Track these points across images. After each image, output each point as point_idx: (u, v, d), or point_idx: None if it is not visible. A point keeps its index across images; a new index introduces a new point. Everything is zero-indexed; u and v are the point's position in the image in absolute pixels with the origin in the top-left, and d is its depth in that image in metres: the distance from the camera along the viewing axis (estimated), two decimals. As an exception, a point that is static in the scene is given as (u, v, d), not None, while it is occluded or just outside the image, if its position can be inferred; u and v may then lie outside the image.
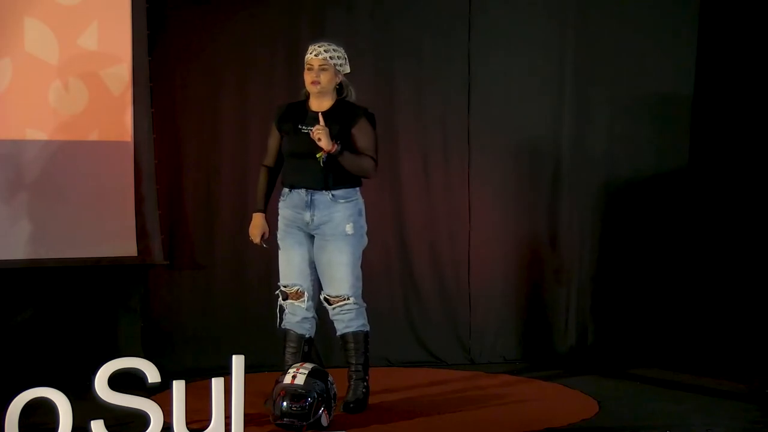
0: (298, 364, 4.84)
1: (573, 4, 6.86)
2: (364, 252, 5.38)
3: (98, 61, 6.10)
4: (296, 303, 5.22)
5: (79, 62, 6.06)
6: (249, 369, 4.39)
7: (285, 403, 4.61)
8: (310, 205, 5.12)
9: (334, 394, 4.81)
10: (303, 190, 5.13)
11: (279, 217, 5.29)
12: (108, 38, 6.11)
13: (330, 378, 4.81)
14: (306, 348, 5.27)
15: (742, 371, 6.27)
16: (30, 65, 5.97)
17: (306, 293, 5.21)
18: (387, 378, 5.84)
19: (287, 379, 4.69)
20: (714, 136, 6.96)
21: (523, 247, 6.86)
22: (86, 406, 4.30)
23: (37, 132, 6.01)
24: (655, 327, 6.93)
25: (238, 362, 4.24)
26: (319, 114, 5.06)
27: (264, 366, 5.92)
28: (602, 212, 6.95)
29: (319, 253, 5.17)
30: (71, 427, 4.10)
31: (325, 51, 5.10)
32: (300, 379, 4.67)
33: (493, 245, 6.81)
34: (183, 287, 6.40)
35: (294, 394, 4.62)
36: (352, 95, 5.25)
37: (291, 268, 5.22)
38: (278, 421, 4.64)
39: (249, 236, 5.36)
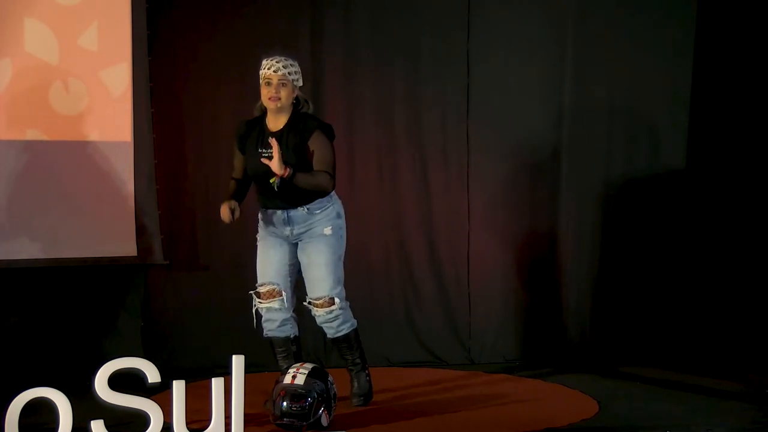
0: (298, 364, 4.84)
1: (571, 5, 6.86)
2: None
3: (98, 61, 6.11)
4: (271, 304, 5.20)
5: (79, 62, 6.06)
6: (249, 369, 4.39)
7: (285, 403, 4.61)
8: (288, 221, 5.13)
9: (334, 394, 4.81)
10: (279, 210, 5.12)
11: (259, 227, 5.30)
12: (108, 38, 6.12)
13: (330, 378, 4.81)
14: (294, 348, 5.30)
15: (742, 371, 6.27)
16: (30, 65, 5.97)
17: (283, 293, 5.20)
18: (387, 378, 5.83)
19: (287, 379, 4.69)
20: (712, 136, 6.96)
21: (522, 247, 6.86)
22: (86, 406, 4.30)
23: (37, 132, 6.02)
24: (655, 327, 6.93)
25: (238, 362, 4.24)
26: (271, 139, 4.96)
27: (264, 366, 5.92)
28: (601, 213, 6.95)
29: (301, 255, 5.19)
30: (71, 427, 4.10)
31: (283, 66, 5.01)
32: (300, 379, 4.67)
33: (493, 245, 6.81)
34: (183, 287, 6.41)
35: (294, 394, 4.62)
36: (310, 108, 5.17)
37: (269, 267, 5.22)
38: (278, 421, 4.64)
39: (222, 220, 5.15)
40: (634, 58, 6.91)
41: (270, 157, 4.92)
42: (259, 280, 5.26)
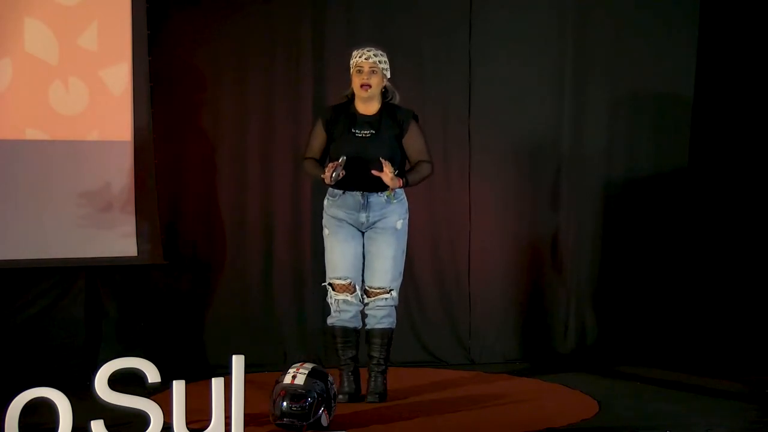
0: (298, 364, 4.84)
1: (573, 4, 6.86)
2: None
3: (98, 61, 6.11)
4: (348, 297, 5.31)
5: (79, 62, 6.06)
6: (249, 369, 4.39)
7: (285, 403, 4.60)
8: (365, 206, 5.28)
9: (334, 394, 4.81)
10: (359, 193, 5.26)
11: (325, 216, 5.38)
12: (108, 38, 6.12)
13: (330, 378, 4.81)
14: (355, 338, 5.42)
15: (742, 371, 6.27)
16: (30, 65, 5.97)
17: (357, 286, 5.33)
18: (388, 378, 5.83)
19: (287, 379, 4.69)
20: (714, 136, 6.96)
21: (523, 247, 6.86)
22: (86, 406, 4.30)
23: (37, 132, 6.02)
24: (656, 327, 6.93)
25: (238, 362, 4.24)
26: (385, 162, 5.15)
27: (264, 366, 5.93)
28: (602, 212, 6.95)
29: (369, 244, 5.34)
30: (71, 427, 4.09)
31: (374, 55, 5.27)
32: (300, 379, 4.67)
33: (494, 245, 6.81)
34: (183, 287, 6.40)
35: (294, 394, 4.62)
36: (396, 98, 5.41)
37: (345, 261, 5.32)
38: (278, 421, 4.64)
39: (329, 171, 5.16)
40: (636, 56, 6.91)
41: (364, 138, 5.23)
42: (335, 273, 5.34)
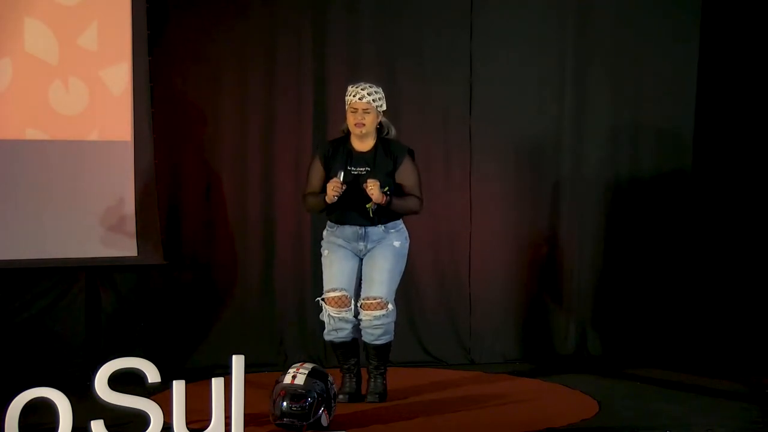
0: (298, 364, 4.84)
1: (574, 4, 6.86)
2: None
3: (98, 61, 6.11)
4: (343, 314, 5.32)
5: (79, 62, 6.07)
6: (249, 369, 4.39)
7: (285, 403, 4.61)
8: (364, 237, 5.33)
9: (334, 394, 4.81)
10: (357, 227, 5.31)
11: (324, 243, 5.42)
12: (108, 38, 6.12)
13: (330, 378, 4.81)
14: (356, 346, 5.46)
15: (742, 371, 6.27)
16: (30, 65, 5.97)
17: (351, 301, 5.35)
18: (387, 378, 5.83)
19: (287, 379, 4.69)
20: (717, 137, 6.94)
21: (523, 247, 6.86)
22: (86, 406, 4.30)
23: (37, 132, 6.02)
24: (656, 327, 6.93)
25: (238, 362, 4.24)
26: (372, 181, 5.18)
27: (264, 366, 5.92)
28: (603, 212, 6.95)
29: (366, 262, 5.37)
30: (71, 427, 4.10)
31: (368, 94, 5.27)
32: (300, 379, 4.67)
33: (494, 246, 6.81)
34: (183, 287, 6.40)
35: (294, 394, 4.62)
36: (392, 132, 5.42)
37: (341, 275, 5.35)
38: (278, 421, 4.64)
39: (331, 191, 5.19)
40: (639, 57, 6.92)
41: (359, 175, 5.25)
42: (331, 286, 5.37)
